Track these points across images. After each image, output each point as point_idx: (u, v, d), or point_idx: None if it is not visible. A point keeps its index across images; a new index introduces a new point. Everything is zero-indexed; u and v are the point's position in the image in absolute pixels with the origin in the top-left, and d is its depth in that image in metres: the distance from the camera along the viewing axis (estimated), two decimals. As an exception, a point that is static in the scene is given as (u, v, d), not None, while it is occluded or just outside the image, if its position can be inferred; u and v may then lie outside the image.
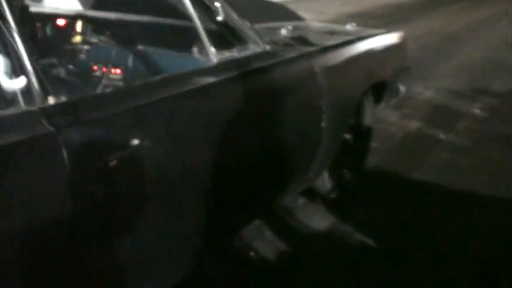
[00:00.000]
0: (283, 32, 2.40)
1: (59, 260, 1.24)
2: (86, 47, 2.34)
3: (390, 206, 2.76)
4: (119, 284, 1.45)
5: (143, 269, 1.51)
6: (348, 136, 2.69)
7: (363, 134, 2.84)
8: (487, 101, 4.74)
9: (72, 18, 2.40)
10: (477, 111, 4.45)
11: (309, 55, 2.17)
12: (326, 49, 2.28)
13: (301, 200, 2.73)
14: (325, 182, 2.64)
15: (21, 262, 1.16)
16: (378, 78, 2.71)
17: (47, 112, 1.24)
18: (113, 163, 1.30)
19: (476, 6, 12.12)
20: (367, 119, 2.83)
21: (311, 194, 2.69)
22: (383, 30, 2.98)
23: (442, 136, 3.83)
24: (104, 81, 2.16)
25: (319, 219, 2.60)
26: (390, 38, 2.90)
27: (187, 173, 1.56)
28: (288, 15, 3.05)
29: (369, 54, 2.60)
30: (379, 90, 2.81)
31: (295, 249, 2.39)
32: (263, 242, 2.38)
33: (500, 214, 2.71)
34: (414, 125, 4.06)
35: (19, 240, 1.14)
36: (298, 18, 3.13)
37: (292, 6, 3.92)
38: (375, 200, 2.82)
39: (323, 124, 2.23)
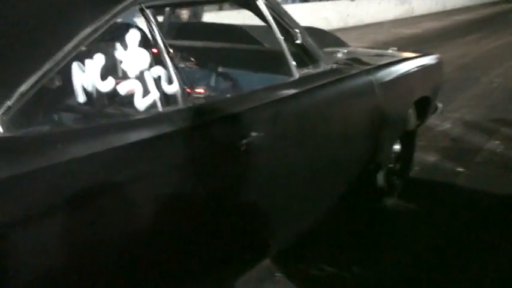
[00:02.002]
0: (339, 54, 2.87)
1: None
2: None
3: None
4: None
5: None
6: (397, 146, 3.12)
7: (409, 144, 3.27)
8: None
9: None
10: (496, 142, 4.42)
11: (367, 72, 2.62)
12: (380, 67, 2.75)
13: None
14: (378, 188, 3.04)
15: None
16: (421, 93, 3.16)
17: (196, 110, 1.71)
18: (243, 147, 1.75)
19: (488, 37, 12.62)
20: (413, 131, 3.26)
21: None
22: (422, 53, 3.44)
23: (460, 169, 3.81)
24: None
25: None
26: (429, 59, 3.36)
27: (286, 158, 2.05)
28: (336, 41, 3.53)
29: (414, 72, 3.06)
30: (422, 105, 3.25)
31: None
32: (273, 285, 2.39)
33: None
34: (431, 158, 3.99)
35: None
36: (344, 44, 3.61)
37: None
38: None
39: (380, 132, 2.67)
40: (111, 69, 1.58)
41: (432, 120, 4.23)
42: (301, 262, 2.56)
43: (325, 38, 3.26)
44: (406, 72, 2.95)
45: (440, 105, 3.64)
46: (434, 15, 18.83)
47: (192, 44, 2.76)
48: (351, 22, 14.24)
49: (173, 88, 1.69)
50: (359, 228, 2.91)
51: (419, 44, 10.56)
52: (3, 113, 1.26)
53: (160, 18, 2.68)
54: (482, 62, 8.75)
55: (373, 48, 4.38)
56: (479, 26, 15.47)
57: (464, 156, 4.08)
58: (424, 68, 3.23)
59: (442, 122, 4.86)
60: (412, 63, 3.11)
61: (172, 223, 1.61)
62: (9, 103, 1.28)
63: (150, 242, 1.54)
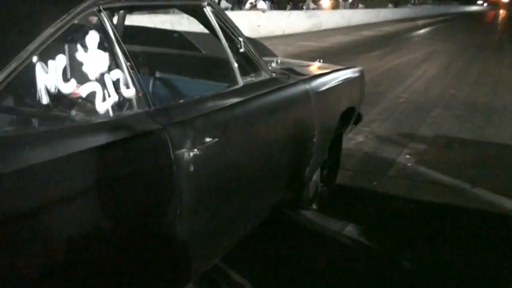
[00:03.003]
0: (273, 64, 2.99)
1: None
2: None
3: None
4: None
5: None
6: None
7: (336, 152, 3.46)
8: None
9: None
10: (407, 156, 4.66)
11: (304, 81, 2.77)
12: (315, 77, 2.91)
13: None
14: (308, 193, 3.19)
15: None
16: (349, 103, 3.37)
17: (151, 114, 1.73)
18: (200, 151, 1.79)
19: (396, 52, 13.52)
20: (340, 140, 3.46)
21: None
22: (347, 65, 3.67)
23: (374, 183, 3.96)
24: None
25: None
26: (354, 71, 3.59)
27: (237, 159, 2.14)
28: (265, 51, 3.66)
29: (343, 83, 3.26)
30: (347, 115, 3.46)
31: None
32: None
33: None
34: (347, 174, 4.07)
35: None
36: (272, 53, 3.75)
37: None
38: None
39: (315, 139, 2.82)
40: (72, 70, 1.57)
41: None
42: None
43: (256, 47, 3.38)
44: (336, 83, 3.14)
45: (362, 116, 3.89)
46: (340, 30, 19.83)
47: (134, 49, 2.76)
48: (262, 33, 14.63)
49: (130, 92, 1.71)
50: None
51: (328, 58, 11.03)
52: None
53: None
54: (388, 77, 9.30)
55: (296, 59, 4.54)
56: (383, 42, 16.54)
57: (377, 171, 4.28)
58: (351, 80, 3.44)
59: (355, 135, 5.02)
60: (341, 75, 3.31)
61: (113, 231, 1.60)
62: None
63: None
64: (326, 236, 3.11)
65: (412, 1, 44.59)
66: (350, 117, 3.51)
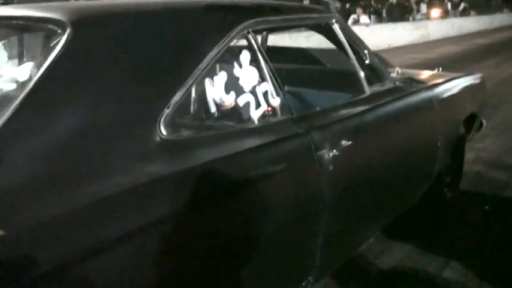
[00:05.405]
0: (394, 74, 3.19)
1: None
2: None
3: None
4: None
5: None
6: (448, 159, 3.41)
7: (459, 158, 3.57)
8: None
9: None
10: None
11: (426, 89, 2.94)
12: (437, 85, 3.07)
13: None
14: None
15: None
16: (471, 110, 3.48)
17: (295, 120, 2.02)
18: (337, 152, 2.05)
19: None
20: (463, 146, 3.56)
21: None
22: (466, 73, 3.77)
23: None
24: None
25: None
26: (475, 78, 3.69)
27: (369, 161, 2.37)
28: (383, 61, 3.87)
29: (464, 90, 3.39)
30: (469, 121, 3.56)
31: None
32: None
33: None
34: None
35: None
36: (391, 65, 3.95)
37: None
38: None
39: (439, 144, 2.98)
40: (231, 85, 1.90)
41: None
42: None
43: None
44: (458, 90, 3.28)
45: (484, 122, 3.95)
46: (450, 40, 19.30)
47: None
48: (368, 47, 14.59)
49: (276, 102, 2.01)
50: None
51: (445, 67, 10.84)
52: (164, 119, 1.57)
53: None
54: (504, 88, 8.85)
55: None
56: (498, 50, 15.86)
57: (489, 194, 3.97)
58: (471, 86, 3.55)
59: (466, 152, 4.12)
60: (462, 82, 3.43)
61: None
62: (167, 110, 1.59)
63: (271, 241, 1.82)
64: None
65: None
66: (472, 123, 3.60)
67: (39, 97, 1.41)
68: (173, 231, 1.48)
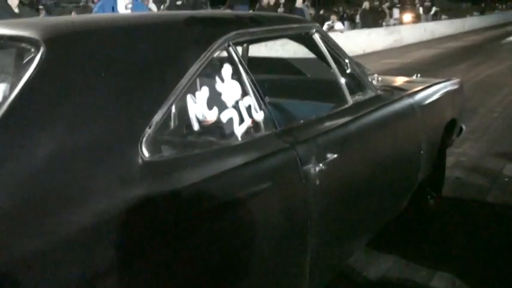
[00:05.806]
0: (374, 82, 3.18)
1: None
2: None
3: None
4: None
5: None
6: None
7: (440, 165, 3.57)
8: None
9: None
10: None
11: (408, 96, 2.93)
12: (418, 91, 3.07)
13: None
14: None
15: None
16: (451, 115, 3.48)
17: (279, 134, 1.97)
18: (323, 166, 2.00)
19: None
20: (444, 153, 3.57)
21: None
22: (445, 78, 3.78)
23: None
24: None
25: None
26: (454, 84, 3.70)
27: (354, 173, 2.34)
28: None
29: (445, 96, 3.39)
30: (450, 127, 3.56)
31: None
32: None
33: None
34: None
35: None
36: (369, 71, 3.94)
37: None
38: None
39: (422, 151, 2.96)
40: (213, 100, 1.84)
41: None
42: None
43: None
44: (439, 96, 3.28)
45: (464, 127, 3.96)
46: (424, 44, 19.56)
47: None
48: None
49: (259, 116, 1.96)
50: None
51: (413, 74, 10.92)
52: (146, 139, 1.50)
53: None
54: (479, 90, 8.91)
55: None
56: (471, 52, 16.16)
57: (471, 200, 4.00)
58: (451, 92, 3.56)
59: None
60: (441, 88, 3.44)
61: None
62: (149, 130, 1.52)
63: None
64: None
65: (500, 6, 43.01)
66: (453, 129, 3.61)
67: (11, 121, 1.33)
68: (159, 256, 1.42)
